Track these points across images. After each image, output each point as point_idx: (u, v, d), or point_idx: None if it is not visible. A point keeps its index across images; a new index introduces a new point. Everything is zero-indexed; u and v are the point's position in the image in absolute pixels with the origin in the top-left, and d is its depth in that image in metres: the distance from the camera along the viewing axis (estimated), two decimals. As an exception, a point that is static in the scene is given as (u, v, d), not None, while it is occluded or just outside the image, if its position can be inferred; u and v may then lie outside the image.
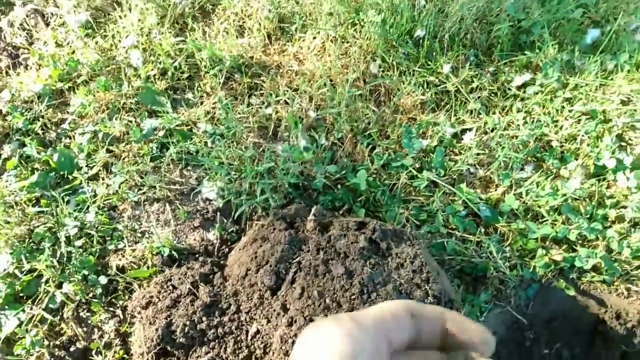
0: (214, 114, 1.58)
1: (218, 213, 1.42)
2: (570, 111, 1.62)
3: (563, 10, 1.77)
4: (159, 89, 1.62)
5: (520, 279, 1.43)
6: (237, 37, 1.75)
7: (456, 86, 1.64)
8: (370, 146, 1.54)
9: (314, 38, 1.73)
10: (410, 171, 1.47)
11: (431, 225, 1.43)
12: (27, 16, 1.78)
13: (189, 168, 1.50)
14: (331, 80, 1.62)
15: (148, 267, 1.33)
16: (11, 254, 1.31)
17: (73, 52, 1.70)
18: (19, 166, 1.47)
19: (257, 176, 1.44)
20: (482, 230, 1.44)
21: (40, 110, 1.58)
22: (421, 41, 1.69)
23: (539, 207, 1.47)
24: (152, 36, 1.70)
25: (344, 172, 1.46)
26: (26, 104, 1.60)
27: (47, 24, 1.80)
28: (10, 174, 1.46)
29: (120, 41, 1.71)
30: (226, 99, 1.60)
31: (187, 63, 1.67)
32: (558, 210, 1.47)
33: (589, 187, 1.50)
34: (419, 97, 1.61)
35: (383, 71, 1.67)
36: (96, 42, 1.72)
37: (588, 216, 1.46)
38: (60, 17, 1.79)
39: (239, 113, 1.58)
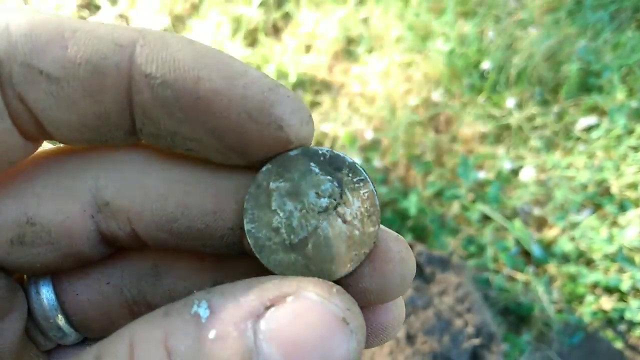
0: (275, 125, 1.64)
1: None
2: (634, 159, 1.58)
3: (636, 58, 1.74)
4: (226, 97, 1.70)
5: (566, 324, 1.39)
6: (304, 54, 1.81)
7: (519, 122, 1.63)
8: (424, 172, 1.55)
9: (379, 62, 1.77)
10: (463, 202, 1.47)
11: (479, 259, 1.42)
12: (112, 19, 1.91)
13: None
14: (391, 104, 1.65)
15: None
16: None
17: (151, 55, 1.81)
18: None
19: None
20: (531, 269, 1.42)
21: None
22: (487, 74, 1.70)
23: (593, 252, 1.44)
24: (224, 47, 1.79)
25: (395, 195, 1.47)
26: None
27: (130, 27, 1.92)
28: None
29: (195, 48, 1.81)
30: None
31: (254, 75, 1.75)
32: (612, 258, 1.43)
33: (648, 239, 1.45)
34: (479, 129, 1.62)
35: (445, 100, 1.69)
36: (173, 47, 1.82)
37: (644, 268, 1.41)
38: (143, 22, 1.91)
39: (299, 127, 1.63)
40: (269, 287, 0.14)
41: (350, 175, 0.18)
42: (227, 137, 0.16)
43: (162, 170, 0.18)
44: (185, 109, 0.16)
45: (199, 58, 0.16)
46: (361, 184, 0.18)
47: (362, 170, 0.19)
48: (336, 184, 0.18)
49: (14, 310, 0.19)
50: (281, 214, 0.18)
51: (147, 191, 0.18)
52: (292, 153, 0.18)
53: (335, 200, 0.18)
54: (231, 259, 0.19)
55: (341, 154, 0.19)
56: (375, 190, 0.19)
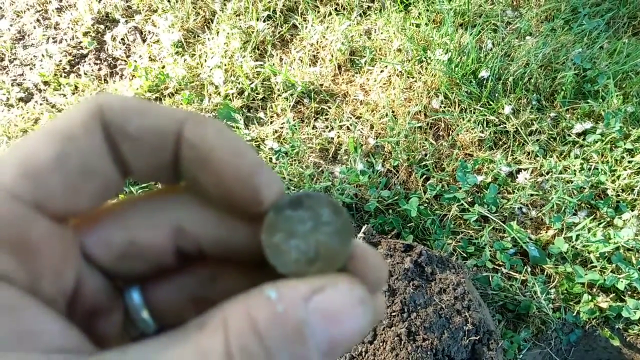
0: (281, 133, 1.72)
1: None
2: (630, 162, 1.62)
3: (631, 63, 1.78)
4: (235, 106, 1.77)
5: (563, 322, 1.44)
6: (310, 65, 1.89)
7: (516, 127, 1.69)
8: (425, 176, 1.61)
9: (381, 71, 1.84)
10: (462, 204, 1.52)
11: (478, 259, 1.47)
12: (127, 32, 2.01)
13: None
14: (393, 112, 1.72)
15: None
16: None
17: (163, 67, 1.90)
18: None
19: (315, 193, 1.54)
20: (529, 269, 1.46)
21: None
22: (485, 82, 1.75)
23: (589, 252, 1.48)
24: (235, 59, 1.87)
25: (396, 198, 1.53)
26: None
27: (144, 40, 2.01)
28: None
29: (205, 61, 1.89)
30: (294, 120, 1.73)
31: (262, 85, 1.83)
32: (608, 258, 1.47)
33: (643, 239, 1.49)
34: (477, 135, 1.67)
35: (444, 107, 1.75)
36: (184, 60, 1.91)
37: (639, 267, 1.45)
38: (156, 35, 2.00)
39: (304, 134, 1.70)
40: (315, 280, 0.22)
41: (312, 204, 0.25)
42: (224, 190, 0.24)
43: (212, 209, 0.26)
44: (204, 167, 0.24)
45: (219, 136, 0.24)
46: (322, 201, 0.25)
47: (319, 195, 0.26)
48: (309, 213, 0.25)
49: (116, 307, 0.27)
50: (293, 252, 0.25)
51: (206, 221, 0.26)
52: (272, 212, 0.25)
53: (316, 221, 0.25)
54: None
55: (303, 194, 0.25)
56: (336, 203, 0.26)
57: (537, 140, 1.68)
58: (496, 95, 1.75)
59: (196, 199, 0.27)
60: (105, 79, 1.91)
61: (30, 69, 1.93)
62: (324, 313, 0.21)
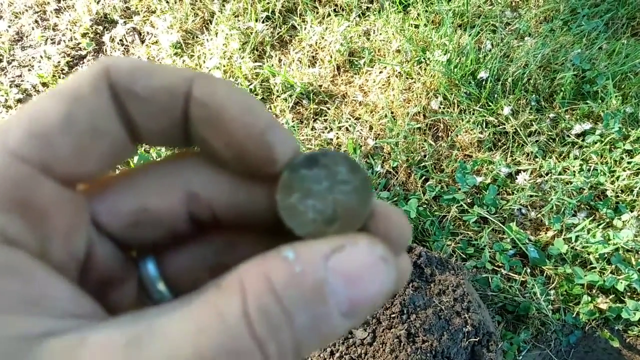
0: (281, 134, 1.71)
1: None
2: (629, 163, 1.62)
3: (630, 64, 1.78)
4: (234, 107, 1.77)
5: (563, 324, 1.43)
6: (309, 66, 1.89)
7: (515, 128, 1.68)
8: (424, 177, 1.61)
9: (380, 72, 1.84)
10: (461, 205, 1.52)
11: (477, 260, 1.47)
12: (126, 33, 2.00)
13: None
14: (392, 113, 1.72)
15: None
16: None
17: (162, 68, 1.89)
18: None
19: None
20: (528, 270, 1.46)
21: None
22: (484, 83, 1.75)
23: (588, 254, 1.48)
24: (234, 60, 1.87)
25: (395, 199, 1.53)
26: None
27: (143, 41, 2.01)
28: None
29: (204, 62, 1.89)
30: (293, 121, 1.73)
31: (261, 86, 1.82)
32: (607, 259, 1.47)
33: (642, 240, 1.49)
34: (476, 135, 1.67)
35: (443, 108, 1.75)
36: (183, 61, 1.90)
37: (639, 268, 1.45)
38: (155, 36, 2.00)
39: (303, 135, 1.70)
40: (334, 239, 0.21)
41: (329, 162, 0.24)
42: (236, 151, 0.23)
43: (225, 172, 0.26)
44: (215, 126, 0.23)
45: (230, 94, 0.23)
46: (339, 159, 0.24)
47: (335, 153, 0.24)
48: (325, 171, 0.24)
49: (129, 278, 0.27)
50: (310, 213, 0.23)
51: (219, 186, 0.26)
52: (287, 171, 0.24)
53: (333, 179, 0.24)
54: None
55: (319, 152, 0.24)
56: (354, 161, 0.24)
57: (537, 141, 1.68)
58: (495, 96, 1.75)
59: (208, 163, 0.26)
60: (103, 80, 1.90)
61: (29, 70, 1.93)
62: (344, 272, 0.20)
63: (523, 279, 1.44)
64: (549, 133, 1.70)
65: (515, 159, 1.65)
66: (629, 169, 1.61)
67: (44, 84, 1.89)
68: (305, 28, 1.96)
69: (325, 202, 0.24)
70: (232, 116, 0.23)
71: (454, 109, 1.74)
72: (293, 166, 0.24)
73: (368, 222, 0.24)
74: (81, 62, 1.97)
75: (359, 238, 0.21)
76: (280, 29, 1.99)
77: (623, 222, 1.52)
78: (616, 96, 1.71)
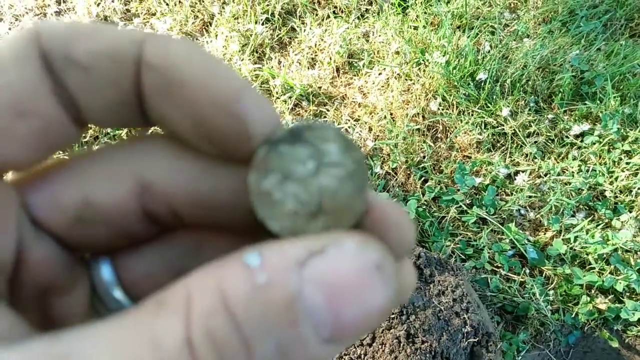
0: (280, 135, 1.72)
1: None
2: (627, 163, 1.62)
3: (628, 65, 1.79)
4: (234, 109, 1.77)
5: (562, 324, 1.44)
6: (308, 68, 1.89)
7: (514, 129, 1.69)
8: (423, 179, 1.62)
9: (380, 74, 1.85)
10: (460, 206, 1.53)
11: (476, 261, 1.47)
12: (126, 36, 2.01)
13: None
14: (391, 114, 1.72)
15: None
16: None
17: (162, 71, 1.90)
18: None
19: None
20: (527, 271, 1.47)
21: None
22: (483, 84, 1.76)
23: (587, 254, 1.48)
24: (233, 62, 1.87)
25: (395, 200, 1.53)
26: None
27: (143, 44, 2.02)
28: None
29: (204, 64, 1.89)
30: (292, 123, 1.73)
31: (261, 88, 1.83)
32: (606, 260, 1.48)
33: (641, 240, 1.50)
34: (475, 137, 1.68)
35: (443, 109, 1.75)
36: (183, 63, 1.91)
37: (638, 269, 1.45)
38: (155, 39, 2.00)
39: (303, 137, 1.70)
40: (311, 240, 0.16)
41: (315, 138, 0.19)
42: (201, 125, 0.19)
43: (189, 157, 0.21)
44: (173, 96, 0.18)
45: (189, 55, 0.18)
46: (329, 134, 0.19)
47: (323, 125, 0.19)
48: (310, 149, 0.19)
49: (78, 284, 0.22)
50: (288, 202, 0.18)
51: (180, 174, 0.21)
52: (263, 147, 0.19)
53: (320, 160, 0.19)
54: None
55: (303, 124, 0.19)
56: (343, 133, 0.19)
57: (535, 142, 1.69)
58: (494, 97, 1.76)
59: (168, 146, 0.21)
60: (104, 83, 1.91)
61: (29, 72, 1.94)
62: (324, 283, 0.15)
63: (522, 280, 1.45)
64: (548, 134, 1.70)
65: (514, 159, 1.66)
66: (627, 170, 1.61)
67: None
68: (304, 30, 1.97)
69: (308, 190, 0.18)
70: (193, 81, 0.18)
71: (453, 110, 1.75)
72: (271, 143, 0.19)
73: (362, 218, 0.19)
74: (81, 64, 1.97)
75: (345, 237, 0.16)
76: (280, 31, 2.00)
77: (622, 222, 1.53)
78: (614, 97, 1.71)
